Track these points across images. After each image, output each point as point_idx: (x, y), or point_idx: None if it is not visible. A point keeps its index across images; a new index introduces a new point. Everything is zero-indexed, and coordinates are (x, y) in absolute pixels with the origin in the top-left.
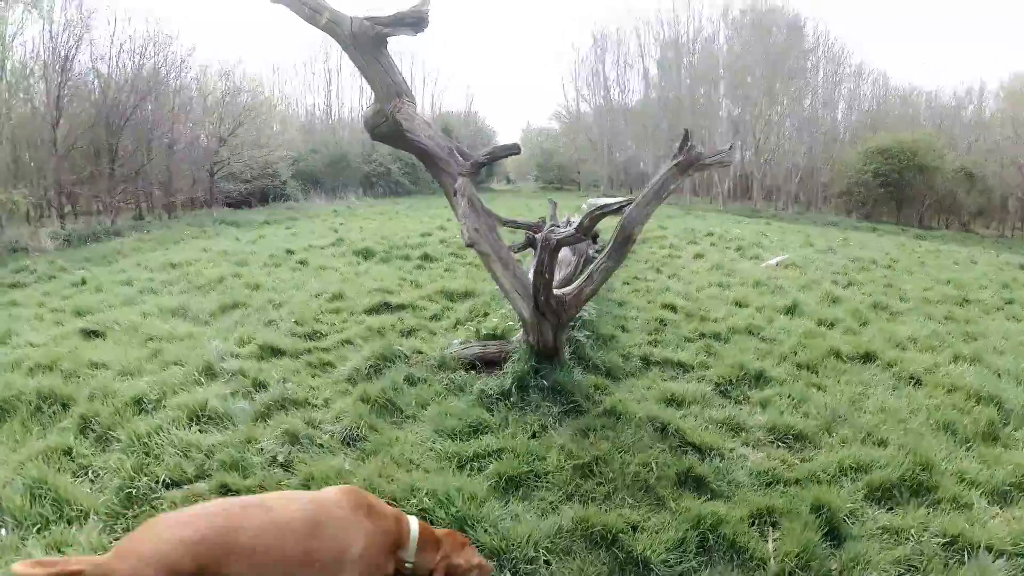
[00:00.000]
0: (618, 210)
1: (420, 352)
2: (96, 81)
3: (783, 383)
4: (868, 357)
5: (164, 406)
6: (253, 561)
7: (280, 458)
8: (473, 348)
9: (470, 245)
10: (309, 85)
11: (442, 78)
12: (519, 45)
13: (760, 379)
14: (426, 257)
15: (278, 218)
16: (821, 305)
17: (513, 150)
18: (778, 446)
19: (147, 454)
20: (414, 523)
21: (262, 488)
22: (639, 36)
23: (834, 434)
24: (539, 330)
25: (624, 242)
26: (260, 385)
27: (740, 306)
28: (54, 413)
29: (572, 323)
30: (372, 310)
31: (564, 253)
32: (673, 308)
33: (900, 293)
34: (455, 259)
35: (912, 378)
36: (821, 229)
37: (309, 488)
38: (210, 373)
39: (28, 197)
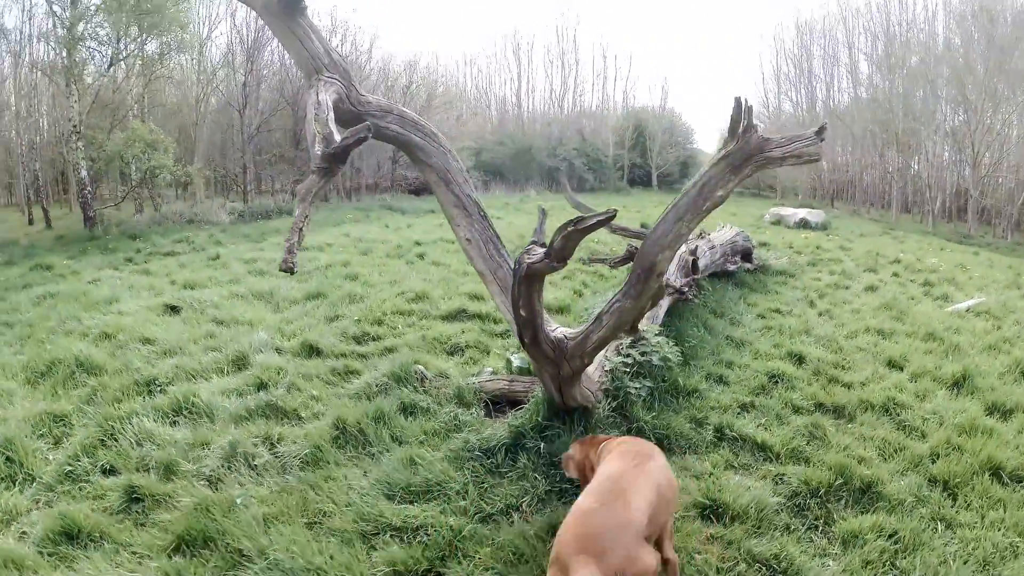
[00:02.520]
0: (600, 226)
1: (445, 376)
2: (282, 68)
3: (896, 508)
4: None
5: (165, 392)
6: None
7: (207, 471)
8: (500, 382)
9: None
10: (500, 76)
11: (634, 71)
12: (718, 36)
13: (865, 495)
14: None
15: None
16: (1005, 380)
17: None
18: None
19: (109, 436)
20: None
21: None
22: (846, 25)
23: None
24: (541, 379)
25: (645, 275)
26: (262, 386)
27: (893, 367)
28: (80, 381)
29: (633, 367)
30: (448, 316)
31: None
32: (800, 359)
33: None
34: (580, 267)
35: None
36: None
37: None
38: (241, 364)
39: (204, 171)
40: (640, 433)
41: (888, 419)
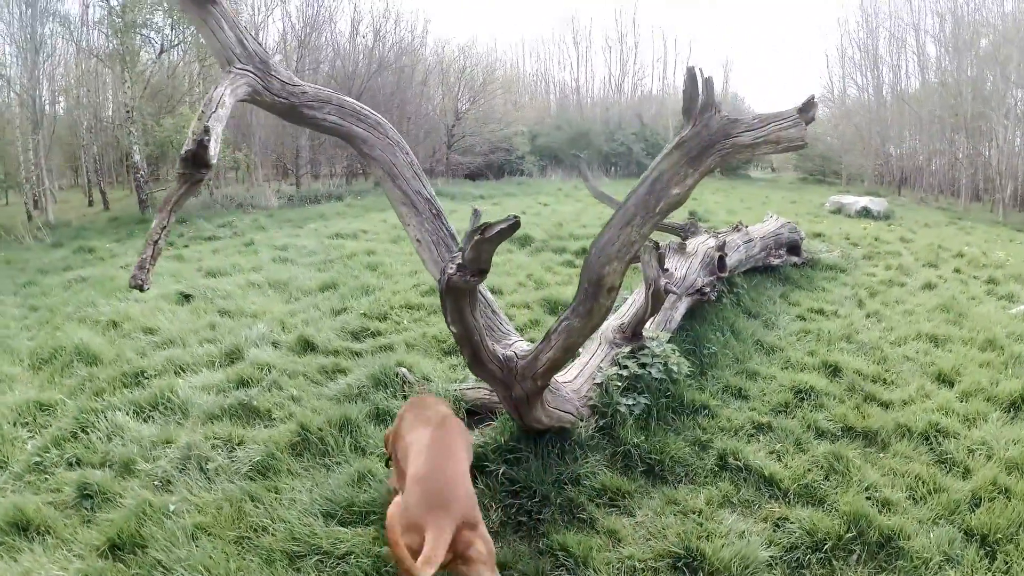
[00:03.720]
0: (509, 234)
1: (428, 380)
2: (333, 54)
3: (918, 568)
4: None
5: (146, 385)
6: None
7: (160, 472)
8: (481, 392)
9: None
10: (558, 60)
11: (694, 54)
12: (781, 17)
13: (883, 550)
14: (583, 252)
15: (493, 193)
16: None
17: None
18: None
19: (82, 429)
20: None
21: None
22: (912, 6)
23: None
24: (498, 397)
25: (594, 291)
26: (243, 383)
27: (942, 382)
28: (75, 371)
29: (628, 380)
30: None
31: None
32: (835, 371)
33: None
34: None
35: None
36: None
37: None
38: (233, 357)
39: (250, 157)
40: (627, 458)
41: (927, 449)
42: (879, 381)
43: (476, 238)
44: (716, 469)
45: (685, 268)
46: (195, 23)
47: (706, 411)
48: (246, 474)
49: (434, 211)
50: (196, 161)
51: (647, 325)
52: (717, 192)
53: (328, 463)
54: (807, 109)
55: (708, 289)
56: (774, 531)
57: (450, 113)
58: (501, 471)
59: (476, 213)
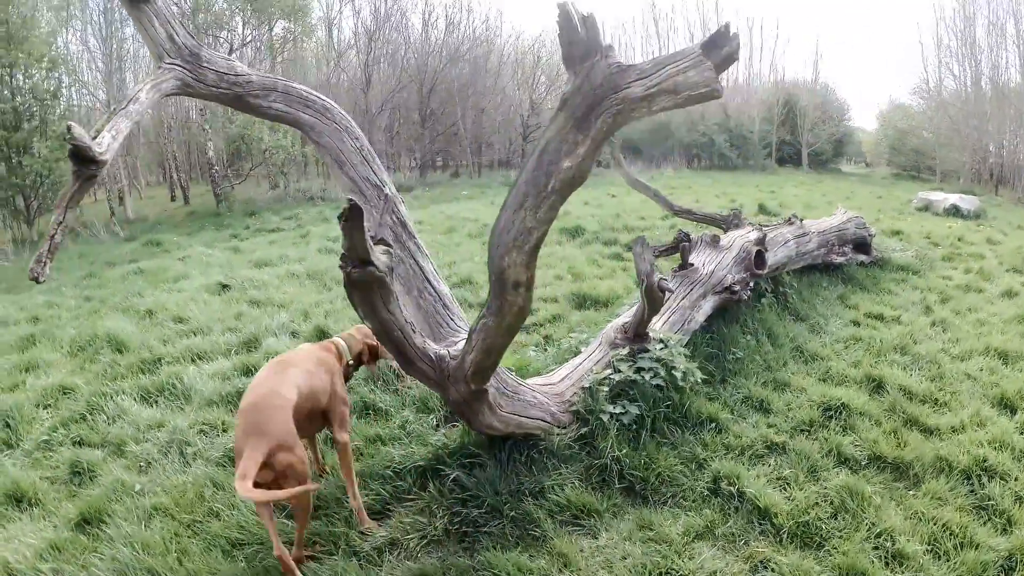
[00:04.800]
0: (357, 224)
1: None
2: (405, 48)
3: None
4: None
5: (161, 371)
6: None
7: (145, 454)
8: None
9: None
10: (640, 47)
11: (781, 41)
12: (876, 3)
13: None
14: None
15: None
16: None
17: None
18: None
19: (91, 411)
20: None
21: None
22: None
23: None
24: None
25: (499, 287)
26: (248, 372)
27: (1004, 407)
28: (102, 357)
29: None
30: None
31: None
32: (878, 386)
33: None
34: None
35: None
36: None
37: None
38: (251, 346)
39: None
40: (605, 472)
41: (967, 491)
42: (928, 401)
43: (342, 224)
44: (707, 494)
45: (715, 263)
46: (133, 20)
47: (713, 425)
48: (218, 460)
49: (383, 198)
50: (79, 157)
51: (656, 325)
52: (800, 186)
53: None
54: (715, 45)
55: (739, 287)
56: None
57: (525, 104)
58: (453, 476)
59: (386, 199)
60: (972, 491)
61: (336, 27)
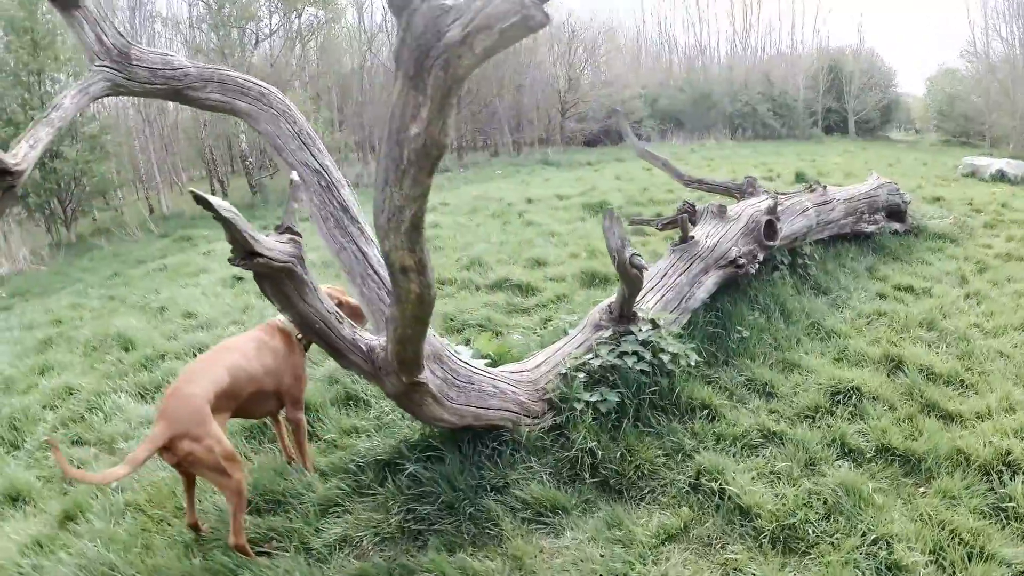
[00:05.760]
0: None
1: None
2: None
3: None
4: None
5: (160, 368)
6: None
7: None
8: None
9: None
10: (682, 20)
11: (823, 7)
12: None
13: None
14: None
15: (602, 159)
16: None
17: None
18: None
19: (88, 411)
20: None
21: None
22: None
23: None
24: None
25: (390, 272)
26: None
27: None
28: (110, 356)
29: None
30: (491, 286)
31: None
32: (897, 366)
33: None
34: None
35: None
36: None
37: None
38: None
39: (352, 137)
40: (577, 465)
41: (985, 489)
42: (953, 383)
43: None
44: (687, 489)
45: (720, 235)
46: (67, 26)
47: (707, 412)
48: None
49: (323, 183)
50: None
51: (648, 303)
52: (844, 154)
53: (276, 448)
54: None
55: (745, 261)
56: None
57: (563, 80)
58: (409, 470)
59: (293, 184)
60: (991, 490)
61: (366, 11)
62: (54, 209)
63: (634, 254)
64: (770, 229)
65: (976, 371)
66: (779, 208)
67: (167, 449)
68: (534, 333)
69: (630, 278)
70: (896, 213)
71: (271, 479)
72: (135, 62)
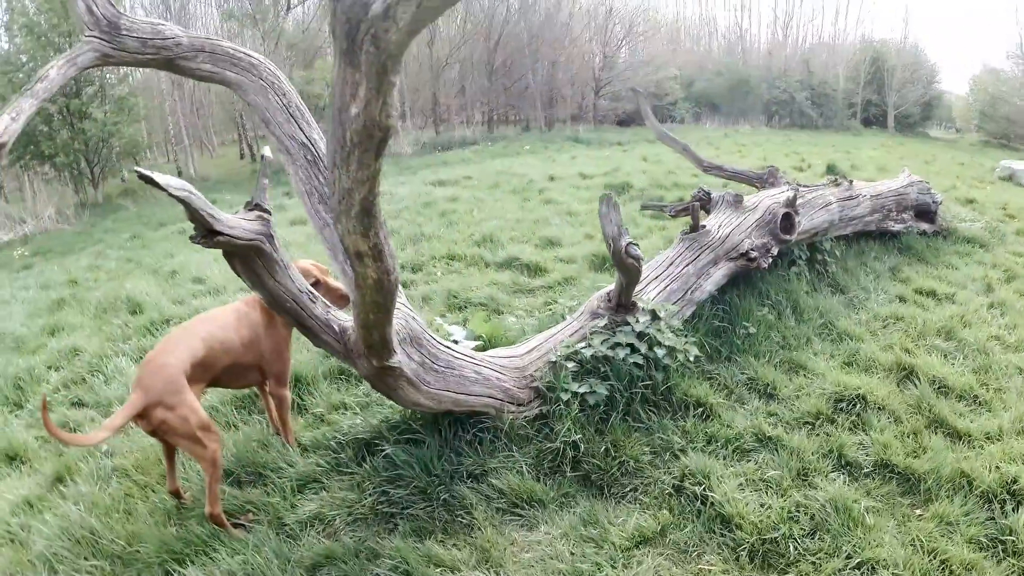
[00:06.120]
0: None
1: None
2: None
3: None
4: None
5: (163, 332)
6: None
7: None
8: None
9: None
10: (723, 5)
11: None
12: None
13: None
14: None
15: (633, 139)
16: None
17: None
18: None
19: (90, 373)
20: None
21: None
22: None
23: None
24: None
25: (349, 259)
26: None
27: None
28: (119, 318)
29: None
30: (500, 264)
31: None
32: (908, 375)
33: None
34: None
35: None
36: None
37: None
38: None
39: None
40: (560, 457)
41: (985, 517)
42: (965, 398)
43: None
44: (670, 491)
45: (733, 226)
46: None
47: (701, 410)
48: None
49: (309, 157)
50: None
51: (651, 293)
52: (880, 148)
53: (263, 420)
54: None
55: (757, 254)
56: None
57: (598, 57)
58: (386, 452)
59: (264, 160)
60: (991, 519)
61: None
62: (82, 169)
63: (630, 243)
64: (787, 222)
65: (992, 387)
66: (800, 201)
67: (142, 417)
68: (533, 316)
69: (626, 268)
70: (925, 213)
71: (254, 451)
72: (124, 32)
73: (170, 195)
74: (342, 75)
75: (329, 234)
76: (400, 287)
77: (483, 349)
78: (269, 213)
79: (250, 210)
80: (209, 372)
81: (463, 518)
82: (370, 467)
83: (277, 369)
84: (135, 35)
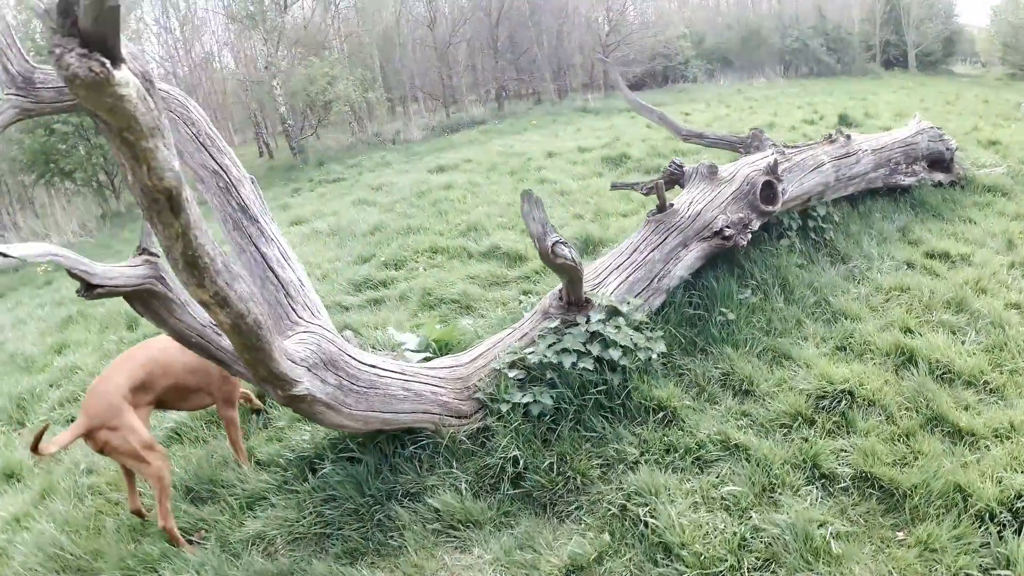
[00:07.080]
0: None
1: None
2: None
3: None
4: None
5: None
6: None
7: None
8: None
9: None
10: None
11: None
12: None
13: None
14: None
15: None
16: None
17: None
18: None
19: (83, 391)
20: None
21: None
22: None
23: None
24: None
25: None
26: None
27: None
28: (119, 331)
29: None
30: (483, 255)
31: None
32: (908, 359)
33: None
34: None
35: None
36: None
37: None
38: None
39: (384, 95)
40: (501, 474)
41: (979, 543)
42: (973, 384)
43: None
44: (616, 512)
45: (705, 201)
46: None
47: (663, 415)
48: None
49: (221, 185)
50: None
51: (611, 285)
52: (900, 91)
53: (223, 436)
54: None
55: (733, 231)
56: None
57: (603, 22)
58: (324, 471)
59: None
60: (986, 545)
61: None
62: (102, 182)
63: (557, 241)
64: (769, 191)
65: (1006, 369)
66: (786, 165)
67: (89, 438)
68: (506, 311)
69: (558, 267)
70: (940, 162)
71: (213, 468)
72: (39, 85)
73: (35, 263)
74: (113, 145)
75: (246, 259)
76: (320, 307)
77: (435, 356)
78: (157, 256)
79: (139, 255)
80: (150, 394)
81: (395, 540)
82: (312, 485)
83: (224, 392)
84: (49, 86)
